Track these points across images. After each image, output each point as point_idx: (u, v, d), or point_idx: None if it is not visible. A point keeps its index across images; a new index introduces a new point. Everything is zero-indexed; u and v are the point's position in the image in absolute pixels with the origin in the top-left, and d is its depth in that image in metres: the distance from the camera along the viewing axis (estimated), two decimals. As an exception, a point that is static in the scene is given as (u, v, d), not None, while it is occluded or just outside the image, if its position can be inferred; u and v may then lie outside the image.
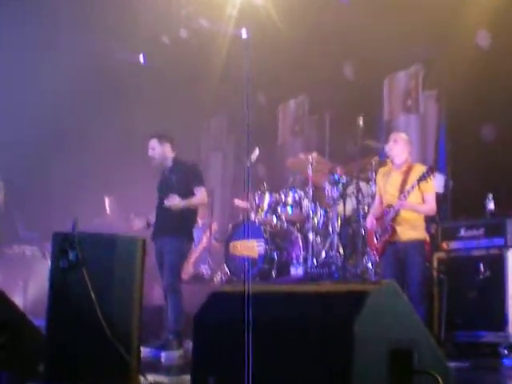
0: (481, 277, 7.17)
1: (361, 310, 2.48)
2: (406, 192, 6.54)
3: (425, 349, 2.65)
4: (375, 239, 6.78)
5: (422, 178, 6.47)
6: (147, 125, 11.03)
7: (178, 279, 7.04)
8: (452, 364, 6.27)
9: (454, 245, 7.56)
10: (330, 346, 2.53)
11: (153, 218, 7.20)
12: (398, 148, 6.87)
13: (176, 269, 7.00)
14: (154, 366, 6.20)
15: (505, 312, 6.99)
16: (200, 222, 8.86)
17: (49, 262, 6.95)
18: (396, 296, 2.67)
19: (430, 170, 6.52)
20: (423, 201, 6.67)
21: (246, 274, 7.97)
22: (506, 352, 6.88)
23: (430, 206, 6.71)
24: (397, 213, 6.58)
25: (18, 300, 8.26)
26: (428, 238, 6.79)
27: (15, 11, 10.19)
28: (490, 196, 7.65)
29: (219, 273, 9.08)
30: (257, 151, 8.60)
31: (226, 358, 2.94)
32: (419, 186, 6.57)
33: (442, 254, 7.59)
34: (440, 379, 2.62)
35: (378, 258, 7.06)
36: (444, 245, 7.63)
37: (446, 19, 8.96)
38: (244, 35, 11.25)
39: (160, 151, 7.19)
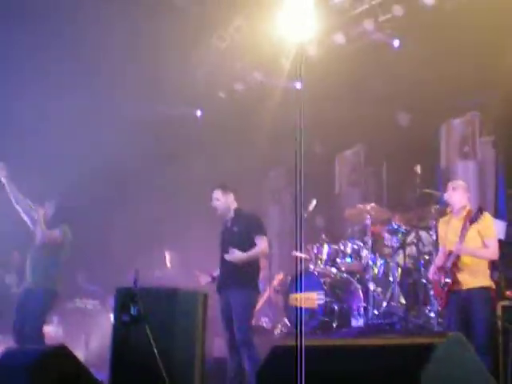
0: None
1: (428, 363, 2.43)
2: (463, 236, 6.46)
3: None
4: (438, 288, 6.68)
5: (473, 219, 6.42)
6: (209, 178, 11.18)
7: (250, 332, 6.98)
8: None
9: (515, 293, 7.40)
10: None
11: (217, 272, 7.19)
12: (457, 195, 6.81)
13: (247, 322, 6.95)
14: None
15: None
16: (261, 273, 8.86)
17: (111, 316, 7.04)
18: (463, 348, 2.62)
19: (479, 211, 6.48)
20: (484, 246, 6.57)
21: (299, 328, 7.93)
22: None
23: (492, 251, 6.59)
24: (457, 258, 6.49)
25: (80, 353, 8.33)
26: (493, 286, 6.64)
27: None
28: (554, 243, 7.51)
29: (279, 325, 9.02)
30: (314, 202, 8.61)
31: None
32: (479, 231, 6.50)
33: (506, 303, 7.42)
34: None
35: (440, 308, 6.94)
36: (509, 293, 7.47)
37: (501, 65, 8.93)
38: (298, 86, 11.45)
39: (224, 201, 7.19)
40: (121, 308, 5.23)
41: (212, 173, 11.20)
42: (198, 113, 13.10)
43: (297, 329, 7.81)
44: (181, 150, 12.02)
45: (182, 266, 10.79)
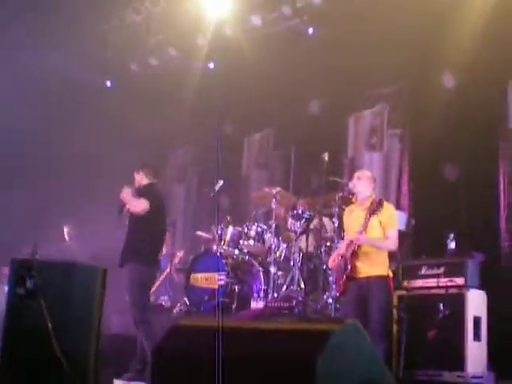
0: (440, 316, 7.19)
1: (324, 349, 2.45)
2: (363, 227, 6.57)
3: (387, 389, 2.62)
4: (338, 275, 6.78)
5: (376, 209, 6.54)
6: (112, 151, 11.00)
7: (146, 309, 6.94)
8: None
9: (414, 283, 7.59)
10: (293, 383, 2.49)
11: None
12: (362, 185, 6.91)
13: (140, 299, 6.91)
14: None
15: (464, 352, 7.02)
16: (164, 250, 8.82)
17: (5, 288, 6.83)
18: (359, 335, 2.65)
19: (382, 202, 6.60)
20: (385, 236, 6.70)
21: (217, 309, 7.96)
22: (461, 393, 6.89)
23: (392, 242, 6.73)
24: (357, 247, 6.59)
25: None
26: (391, 275, 6.78)
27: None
28: (451, 235, 7.73)
29: (178, 304, 8.99)
30: (221, 182, 8.58)
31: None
32: (380, 222, 6.63)
33: (402, 292, 7.61)
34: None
35: (339, 294, 7.04)
36: (405, 283, 7.66)
37: (412, 59, 9.11)
38: (212, 66, 11.42)
39: (137, 179, 7.27)
40: (16, 280, 5.07)
41: (115, 145, 11.04)
42: (108, 83, 12.85)
43: (218, 309, 7.86)
44: (85, 120, 11.74)
45: (81, 240, 10.59)
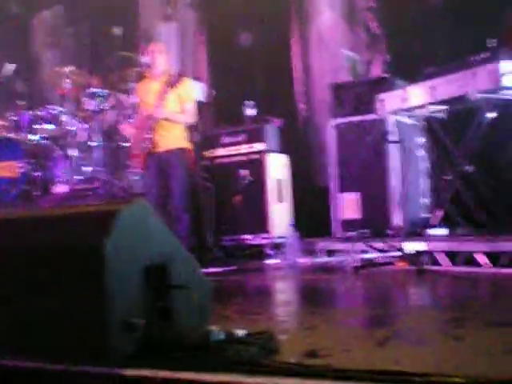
0: (244, 182, 7.39)
1: (111, 231, 2.38)
2: (160, 100, 6.51)
3: (180, 264, 2.62)
4: (137, 151, 6.70)
5: (173, 83, 6.49)
6: None
7: None
8: (220, 268, 6.49)
9: (217, 152, 7.71)
10: (79, 271, 2.43)
11: None
12: (157, 58, 6.76)
13: None
14: None
15: (267, 214, 7.29)
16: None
17: None
18: (147, 214, 2.61)
19: (179, 75, 6.59)
20: (182, 110, 6.67)
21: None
22: (270, 253, 7.20)
23: (190, 115, 6.72)
24: (155, 121, 6.53)
25: None
26: (190, 147, 6.80)
27: None
28: (250, 103, 7.84)
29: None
30: (11, 66, 8.10)
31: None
32: (178, 95, 6.58)
33: (206, 163, 7.72)
34: (194, 292, 2.63)
35: (142, 170, 6.99)
36: (208, 153, 7.75)
37: None
38: None
39: None
40: None
41: None
42: None
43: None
44: None
45: None
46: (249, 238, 7.35)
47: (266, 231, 7.24)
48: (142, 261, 2.50)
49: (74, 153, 8.01)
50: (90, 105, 7.99)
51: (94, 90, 8.03)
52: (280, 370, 2.20)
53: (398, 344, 2.76)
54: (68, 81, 8.20)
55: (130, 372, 2.29)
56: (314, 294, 4.85)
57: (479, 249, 5.32)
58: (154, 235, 2.57)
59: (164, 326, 2.51)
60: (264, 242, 7.27)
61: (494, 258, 5.20)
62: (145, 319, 2.45)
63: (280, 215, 7.42)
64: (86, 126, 8.07)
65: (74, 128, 8.10)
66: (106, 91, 8.03)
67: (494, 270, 5.11)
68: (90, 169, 7.95)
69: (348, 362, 2.35)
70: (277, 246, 7.20)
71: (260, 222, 7.28)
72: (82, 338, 2.42)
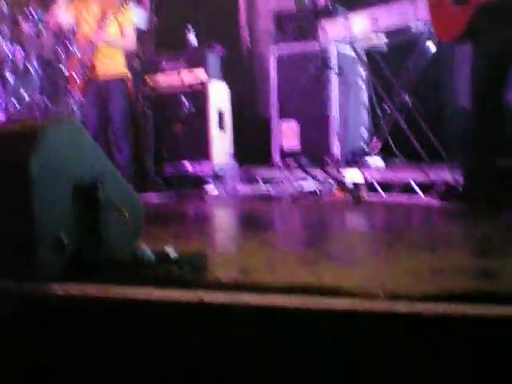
0: (185, 109, 7.33)
1: (37, 150, 2.35)
2: (102, 25, 6.38)
3: (111, 183, 2.61)
4: (77, 79, 6.59)
5: (111, 9, 6.36)
6: None
7: None
8: (160, 195, 6.50)
9: (157, 80, 7.62)
10: (5, 189, 2.40)
11: None
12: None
13: None
14: None
15: (208, 143, 7.27)
16: None
17: None
18: (77, 133, 2.58)
19: (124, 1, 6.43)
20: (122, 35, 6.55)
21: None
22: (211, 181, 7.22)
23: (129, 40, 6.63)
24: (95, 47, 6.42)
25: None
26: (130, 74, 6.72)
27: None
28: (190, 27, 7.73)
29: None
30: None
31: None
32: (117, 20, 6.46)
33: (146, 90, 7.62)
34: (126, 211, 2.63)
35: (82, 98, 6.88)
36: (148, 80, 7.65)
37: None
38: None
39: None
40: None
41: None
42: None
43: None
44: None
45: None
46: (189, 167, 7.33)
47: (207, 159, 7.23)
48: (72, 179, 2.48)
49: (11, 79, 7.81)
50: (29, 28, 7.76)
51: (31, 10, 7.79)
52: (208, 285, 2.24)
53: (326, 264, 2.82)
54: (4, 3, 7.94)
55: (58, 289, 2.30)
56: (252, 221, 4.90)
57: (414, 178, 5.42)
58: (84, 154, 2.55)
59: (94, 244, 2.52)
60: (204, 170, 7.26)
61: (427, 187, 5.30)
62: (74, 238, 2.45)
63: (221, 144, 7.41)
64: (24, 50, 7.86)
65: (12, 54, 7.87)
66: (45, 13, 7.79)
67: (427, 199, 5.21)
68: (27, 96, 7.78)
69: (273, 279, 2.40)
70: (217, 175, 7.21)
71: (201, 150, 7.26)
72: (9, 256, 2.41)
